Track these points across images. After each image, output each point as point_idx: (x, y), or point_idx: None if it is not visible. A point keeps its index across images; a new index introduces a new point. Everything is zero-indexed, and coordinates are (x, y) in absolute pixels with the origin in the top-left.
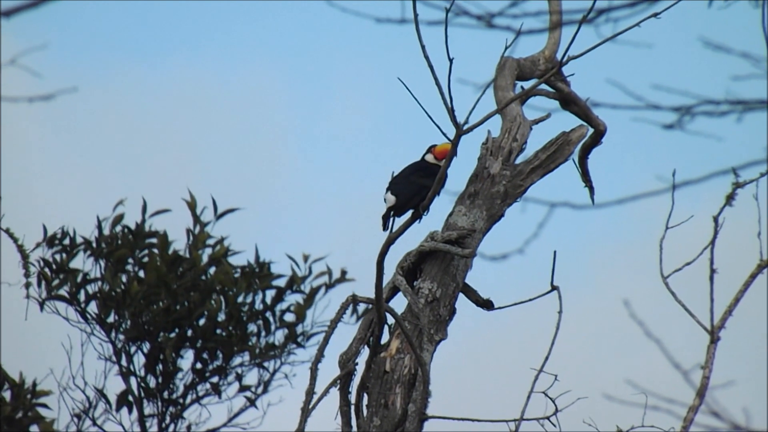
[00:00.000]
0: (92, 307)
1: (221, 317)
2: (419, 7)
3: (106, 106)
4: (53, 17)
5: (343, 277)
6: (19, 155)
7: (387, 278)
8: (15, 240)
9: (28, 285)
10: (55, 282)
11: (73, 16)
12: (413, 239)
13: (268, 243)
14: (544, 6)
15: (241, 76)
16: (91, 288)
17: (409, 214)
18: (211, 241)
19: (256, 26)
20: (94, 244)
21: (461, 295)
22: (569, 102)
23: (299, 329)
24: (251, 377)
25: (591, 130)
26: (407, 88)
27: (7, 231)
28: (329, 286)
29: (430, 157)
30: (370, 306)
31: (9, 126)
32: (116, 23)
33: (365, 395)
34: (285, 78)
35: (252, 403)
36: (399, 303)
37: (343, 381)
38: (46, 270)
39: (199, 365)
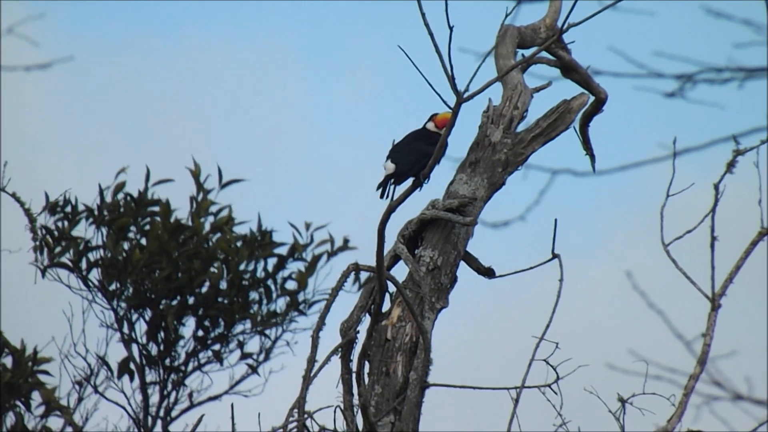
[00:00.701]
0: (94, 275)
1: (223, 285)
2: None
3: (112, 75)
4: None
5: (345, 245)
6: (22, 123)
7: (388, 246)
8: (22, 204)
9: (36, 249)
10: (57, 249)
11: None
12: (414, 207)
13: (271, 211)
14: None
15: (244, 45)
16: (93, 255)
17: (409, 182)
18: (213, 209)
19: None
20: (96, 212)
21: (462, 263)
22: (570, 70)
23: (301, 297)
24: (253, 345)
25: (592, 98)
26: (408, 57)
27: (13, 195)
28: (331, 254)
29: (431, 126)
30: (372, 274)
31: (14, 94)
32: None
33: (366, 363)
34: (287, 48)
35: (254, 370)
36: (400, 271)
37: (345, 349)
38: (48, 237)
39: (200, 333)
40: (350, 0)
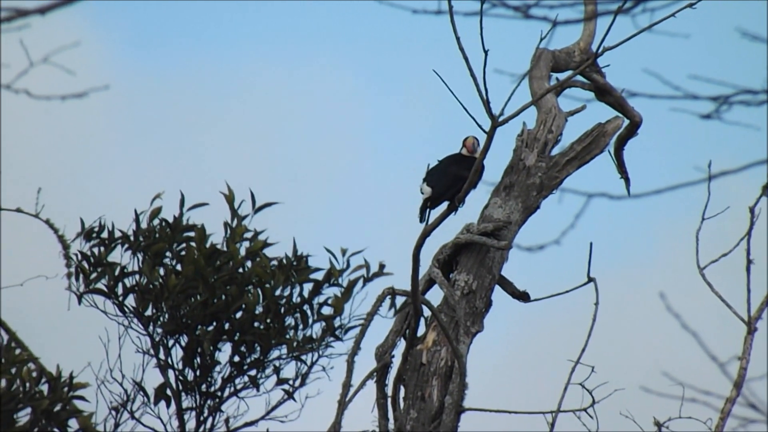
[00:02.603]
0: (130, 301)
1: (259, 310)
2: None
3: (145, 99)
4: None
5: (380, 271)
6: (58, 149)
7: (423, 271)
8: (56, 231)
9: (69, 275)
10: (93, 275)
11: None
12: (449, 231)
13: (306, 236)
14: None
15: (279, 67)
16: (129, 281)
17: (444, 206)
18: (248, 235)
19: (284, 16)
20: (132, 238)
21: (497, 287)
22: (604, 93)
23: (337, 322)
24: (289, 370)
25: (626, 122)
26: (442, 80)
27: (47, 222)
28: (367, 280)
29: (464, 150)
30: (407, 299)
31: (48, 120)
32: (152, 16)
33: (402, 388)
34: (323, 69)
35: (290, 395)
36: (435, 295)
37: (380, 373)
38: (84, 263)
39: (236, 358)
40: (385, 22)
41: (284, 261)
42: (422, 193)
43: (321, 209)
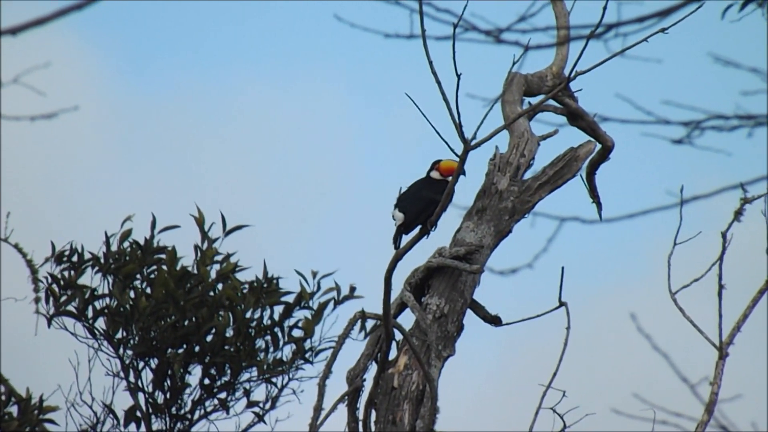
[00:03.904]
0: (100, 323)
1: (229, 333)
2: (427, 23)
3: (134, 117)
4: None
5: (351, 294)
6: (25, 172)
7: (395, 294)
8: (24, 255)
9: (37, 300)
10: (63, 298)
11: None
12: (421, 255)
13: (276, 259)
14: (553, 21)
15: (241, 89)
16: (99, 304)
17: (416, 230)
18: (219, 257)
19: (253, 36)
20: (102, 260)
21: (469, 311)
22: (577, 117)
23: (307, 345)
24: (259, 393)
25: (599, 146)
26: (415, 104)
27: (16, 246)
28: (337, 302)
29: (435, 174)
30: (378, 322)
31: (12, 143)
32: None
33: (373, 411)
34: (286, 92)
35: (260, 418)
36: (407, 319)
37: (351, 397)
38: (54, 286)
39: (207, 381)
40: (356, 45)
41: (255, 283)
42: (394, 219)
43: (292, 231)
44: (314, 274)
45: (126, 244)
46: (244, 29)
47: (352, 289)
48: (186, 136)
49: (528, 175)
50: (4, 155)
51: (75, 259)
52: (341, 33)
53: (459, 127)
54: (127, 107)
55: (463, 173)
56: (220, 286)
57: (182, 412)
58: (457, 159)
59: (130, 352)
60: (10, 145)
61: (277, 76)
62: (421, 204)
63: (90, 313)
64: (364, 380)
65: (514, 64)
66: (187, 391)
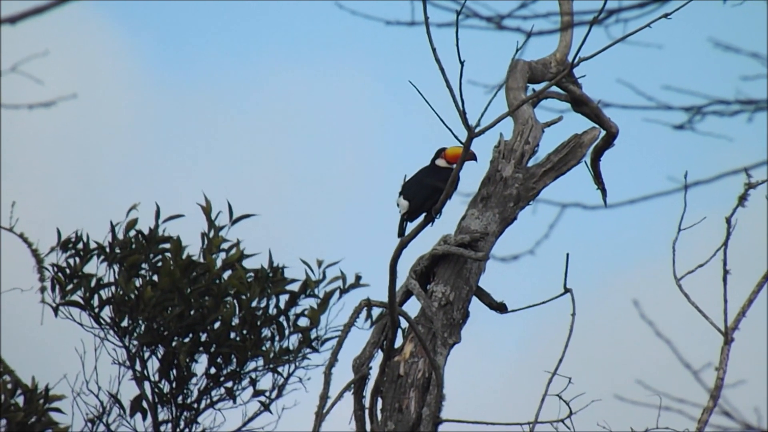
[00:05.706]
0: (106, 312)
1: (235, 322)
2: (429, 10)
3: (114, 111)
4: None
5: (357, 282)
6: (30, 161)
7: (400, 282)
8: (29, 244)
9: (43, 289)
10: (69, 287)
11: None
12: (426, 243)
13: (282, 248)
14: (555, 7)
15: (257, 79)
16: (105, 293)
17: (421, 217)
18: (225, 246)
19: (261, 25)
20: (108, 249)
21: (475, 299)
22: (581, 104)
23: (313, 334)
24: (265, 382)
25: (603, 132)
26: (419, 91)
27: (21, 236)
28: (343, 291)
29: (441, 161)
30: (384, 310)
31: (18, 132)
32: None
33: (379, 399)
34: (296, 80)
35: (266, 407)
36: (413, 307)
37: (357, 385)
38: (60, 275)
39: (213, 370)
40: (358, 33)
41: (260, 272)
42: (398, 206)
43: (298, 220)
44: (319, 263)
45: (131, 233)
46: (270, 18)
47: (358, 277)
48: (209, 122)
49: (532, 162)
50: (6, 145)
51: (80, 247)
52: (352, 21)
53: (463, 115)
54: (154, 91)
55: (474, 159)
56: (225, 275)
57: (188, 401)
58: (462, 146)
59: (135, 342)
60: (17, 133)
61: (304, 62)
62: (425, 192)
63: (96, 303)
64: (370, 368)
65: (517, 50)
66: (194, 380)
